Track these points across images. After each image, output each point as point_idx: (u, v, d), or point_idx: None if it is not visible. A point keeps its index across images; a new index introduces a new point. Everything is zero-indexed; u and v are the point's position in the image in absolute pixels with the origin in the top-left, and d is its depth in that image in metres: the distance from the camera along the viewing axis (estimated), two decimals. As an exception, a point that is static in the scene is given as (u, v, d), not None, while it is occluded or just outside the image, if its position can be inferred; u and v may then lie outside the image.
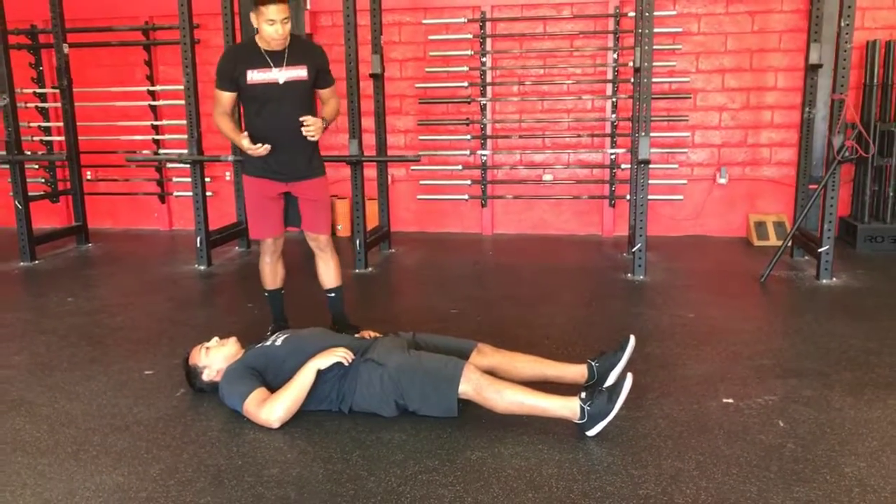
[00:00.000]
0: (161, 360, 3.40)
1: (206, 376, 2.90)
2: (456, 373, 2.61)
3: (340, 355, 2.73)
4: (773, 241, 5.81)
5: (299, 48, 3.37)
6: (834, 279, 4.64)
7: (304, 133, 3.28)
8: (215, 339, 2.98)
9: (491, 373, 2.75)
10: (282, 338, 2.93)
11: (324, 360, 2.72)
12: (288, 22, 3.22)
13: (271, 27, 3.19)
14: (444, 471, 2.34)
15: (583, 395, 2.57)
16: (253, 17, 3.22)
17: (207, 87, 6.04)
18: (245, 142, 3.26)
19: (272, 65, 3.31)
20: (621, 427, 2.62)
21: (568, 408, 2.55)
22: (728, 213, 6.19)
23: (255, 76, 3.30)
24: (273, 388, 2.74)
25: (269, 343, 2.92)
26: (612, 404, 2.52)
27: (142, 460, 2.45)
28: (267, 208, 3.46)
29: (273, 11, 3.16)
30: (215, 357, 2.91)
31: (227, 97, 3.38)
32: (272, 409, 2.64)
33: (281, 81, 3.32)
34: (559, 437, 2.56)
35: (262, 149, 3.24)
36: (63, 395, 3.02)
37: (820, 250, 4.62)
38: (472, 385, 2.59)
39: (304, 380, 2.69)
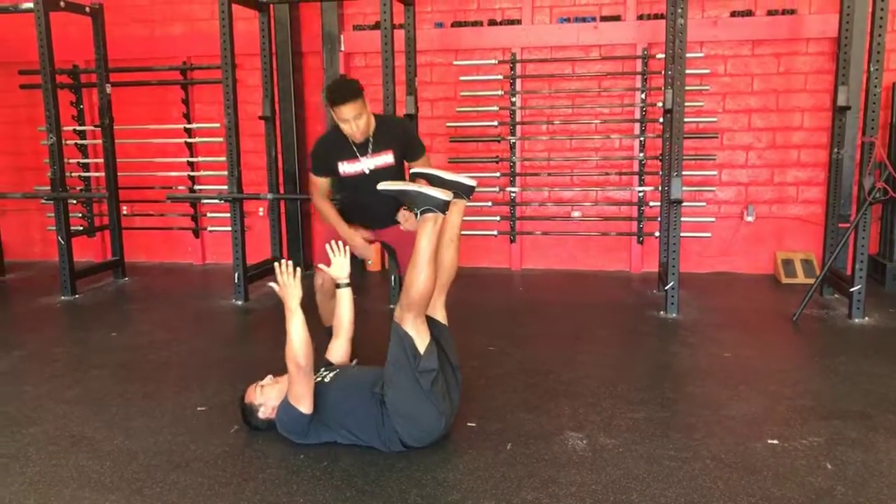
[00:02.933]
0: (212, 397, 3.49)
1: (262, 414, 2.97)
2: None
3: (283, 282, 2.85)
4: (801, 278, 5.85)
5: (383, 132, 3.51)
6: (866, 318, 4.67)
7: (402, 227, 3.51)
8: (269, 377, 3.06)
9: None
10: (331, 374, 3.02)
11: (291, 300, 2.81)
12: (362, 116, 3.35)
13: (346, 125, 3.36)
14: (501, 510, 2.40)
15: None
16: (332, 113, 3.40)
17: (244, 126, 6.25)
18: (346, 230, 3.53)
19: (359, 155, 3.48)
20: (670, 468, 2.68)
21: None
22: (755, 251, 6.24)
23: (345, 168, 3.48)
24: (324, 421, 2.85)
25: (318, 380, 3.00)
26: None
27: (205, 497, 2.52)
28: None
29: (344, 112, 3.30)
30: (270, 394, 2.98)
31: (324, 183, 3.57)
32: (291, 365, 2.75)
33: (368, 171, 3.50)
34: (612, 477, 2.62)
35: (359, 240, 3.53)
36: (121, 431, 3.11)
37: (852, 290, 4.66)
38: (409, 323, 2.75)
39: (293, 323, 2.78)
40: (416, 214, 2.78)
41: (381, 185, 2.94)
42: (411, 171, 3.13)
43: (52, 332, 4.77)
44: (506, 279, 6.28)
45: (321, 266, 3.10)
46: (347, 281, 3.17)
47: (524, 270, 6.59)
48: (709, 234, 6.12)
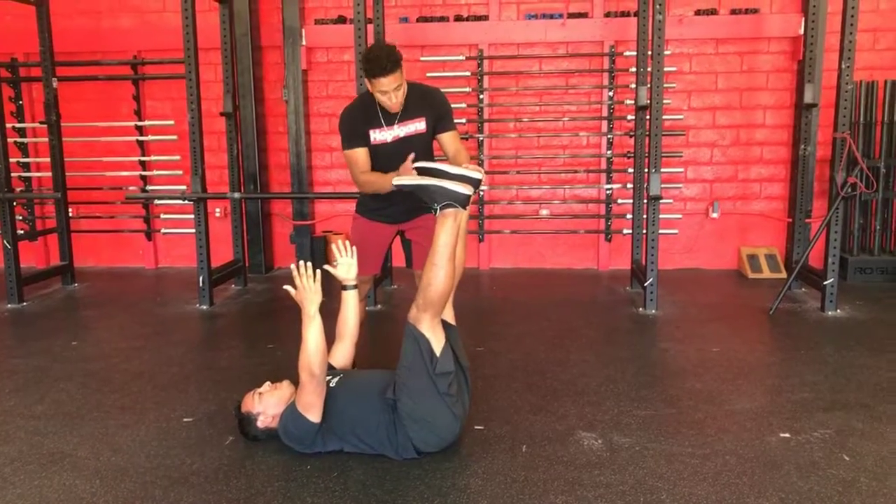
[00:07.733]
0: (196, 407, 3.28)
1: (261, 423, 2.80)
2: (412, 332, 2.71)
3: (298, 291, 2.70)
4: (766, 273, 5.96)
5: (417, 98, 3.25)
6: (838, 311, 4.77)
7: None
8: (267, 383, 2.88)
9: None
10: (336, 379, 2.86)
11: (310, 305, 2.66)
12: (402, 86, 3.09)
13: (384, 97, 3.10)
14: (533, 517, 2.31)
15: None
16: (367, 82, 3.11)
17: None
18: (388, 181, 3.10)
19: (386, 124, 3.24)
20: (693, 466, 2.63)
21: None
22: (720, 247, 6.33)
23: (376, 136, 3.23)
24: (332, 429, 2.70)
25: None
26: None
27: (214, 515, 2.34)
28: (368, 248, 3.41)
29: (384, 83, 3.04)
30: (269, 402, 2.81)
31: (362, 153, 3.25)
32: (304, 373, 2.60)
33: (397, 137, 3.26)
34: (637, 477, 2.55)
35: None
36: (104, 446, 2.88)
37: (825, 283, 4.75)
38: (426, 324, 2.68)
39: (310, 329, 2.63)
40: (434, 210, 2.65)
41: (396, 181, 2.80)
42: (414, 165, 2.95)
43: (5, 343, 4.42)
44: (475, 279, 6.18)
45: (326, 267, 2.92)
46: (354, 283, 3.02)
47: (492, 269, 6.51)
48: (676, 231, 6.17)
